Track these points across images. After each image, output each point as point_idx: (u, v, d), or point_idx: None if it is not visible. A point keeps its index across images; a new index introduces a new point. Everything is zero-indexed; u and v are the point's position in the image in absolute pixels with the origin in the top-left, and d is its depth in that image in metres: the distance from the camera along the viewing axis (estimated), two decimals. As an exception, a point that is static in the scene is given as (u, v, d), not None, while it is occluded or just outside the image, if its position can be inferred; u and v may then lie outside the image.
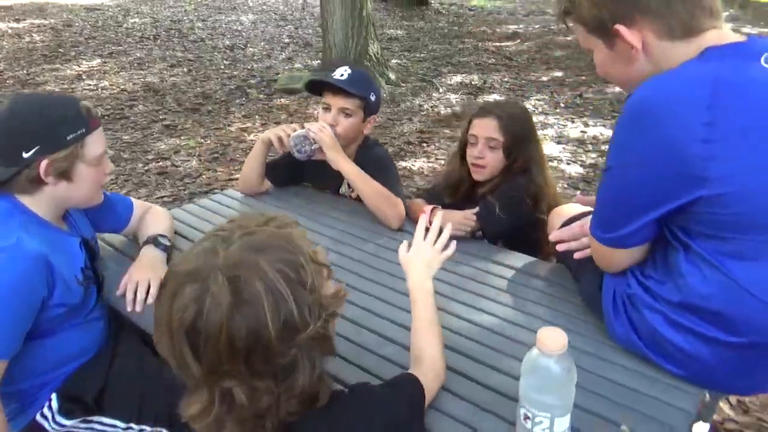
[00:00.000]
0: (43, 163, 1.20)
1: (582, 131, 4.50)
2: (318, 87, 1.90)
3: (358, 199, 1.92)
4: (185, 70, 6.34)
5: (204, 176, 3.79)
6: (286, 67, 6.39)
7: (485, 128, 1.75)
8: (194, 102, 5.28)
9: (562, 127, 4.61)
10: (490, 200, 1.71)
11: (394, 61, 6.40)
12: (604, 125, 4.63)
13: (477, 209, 1.71)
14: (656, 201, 0.99)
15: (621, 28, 1.02)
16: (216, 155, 4.12)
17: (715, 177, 0.91)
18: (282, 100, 5.28)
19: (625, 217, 1.04)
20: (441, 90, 5.55)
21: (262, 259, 0.70)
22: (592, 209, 1.38)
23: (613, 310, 1.15)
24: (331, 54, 5.70)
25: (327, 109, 1.88)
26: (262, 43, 7.64)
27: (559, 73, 6.30)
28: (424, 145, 4.24)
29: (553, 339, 0.83)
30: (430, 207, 1.73)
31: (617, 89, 5.63)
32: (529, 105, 5.18)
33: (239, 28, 8.62)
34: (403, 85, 5.66)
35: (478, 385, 1.10)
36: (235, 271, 0.69)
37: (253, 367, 0.68)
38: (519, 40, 8.08)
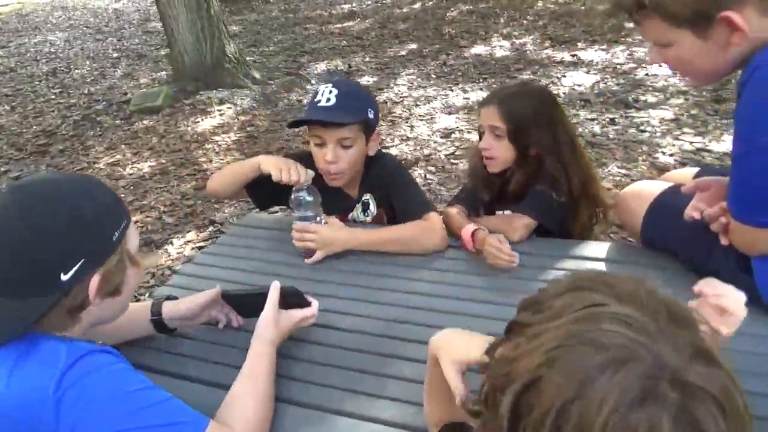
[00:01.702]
0: (94, 282, 0.86)
1: (465, 98, 4.62)
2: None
3: (375, 221, 1.73)
4: (7, 108, 5.43)
5: (92, 226, 3.27)
6: (131, 85, 5.74)
7: (488, 117, 1.64)
8: (37, 144, 4.54)
9: (444, 97, 4.69)
10: (542, 189, 1.60)
11: (247, 58, 6.04)
12: (480, 89, 4.79)
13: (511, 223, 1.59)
14: None
15: (731, 14, 0.98)
16: (95, 199, 3.58)
17: None
18: (144, 122, 4.74)
19: None
20: (312, 82, 5.35)
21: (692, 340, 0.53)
22: (672, 184, 1.35)
23: None
24: (183, 61, 5.22)
25: (321, 144, 1.55)
26: (88, 63, 6.79)
27: (413, 46, 6.40)
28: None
29: None
30: (470, 230, 1.53)
31: (474, 52, 5.88)
32: (402, 81, 5.20)
33: (52, 50, 7.57)
34: (271, 82, 5.37)
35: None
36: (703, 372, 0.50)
37: None
38: (359, 19, 8.06)
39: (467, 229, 1.53)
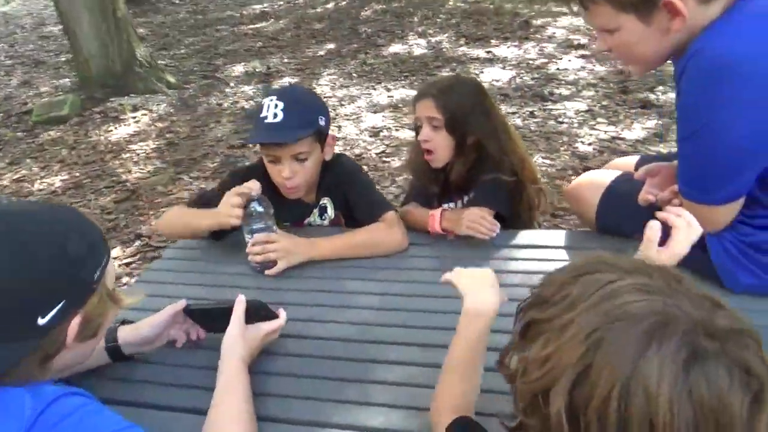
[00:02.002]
0: (74, 324, 0.78)
1: (389, 96, 4.65)
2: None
3: (333, 224, 1.70)
4: None
5: None
6: (31, 94, 5.32)
7: (424, 109, 1.67)
8: (-74, 161, 4.11)
9: (368, 96, 4.70)
10: (489, 178, 1.63)
11: (159, 62, 5.77)
12: (403, 86, 4.84)
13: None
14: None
15: None
16: (2, 219, 3.29)
17: None
18: (50, 133, 4.41)
19: (734, 171, 1.09)
20: (231, 84, 5.20)
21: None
22: (621, 172, 1.41)
23: (732, 263, 1.20)
24: (89, 68, 4.92)
25: (275, 160, 1.48)
26: (-24, 71, 6.24)
27: (331, 45, 6.37)
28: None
29: None
30: (439, 210, 1.58)
31: (393, 51, 5.93)
32: (324, 81, 5.16)
33: (-68, 58, 6.89)
34: (187, 86, 5.16)
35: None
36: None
37: None
38: (272, 20, 7.92)
39: (435, 211, 1.57)
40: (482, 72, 4.97)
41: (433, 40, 6.17)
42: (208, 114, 4.57)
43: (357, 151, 3.71)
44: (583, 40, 5.40)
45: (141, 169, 3.76)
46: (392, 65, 5.46)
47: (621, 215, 1.38)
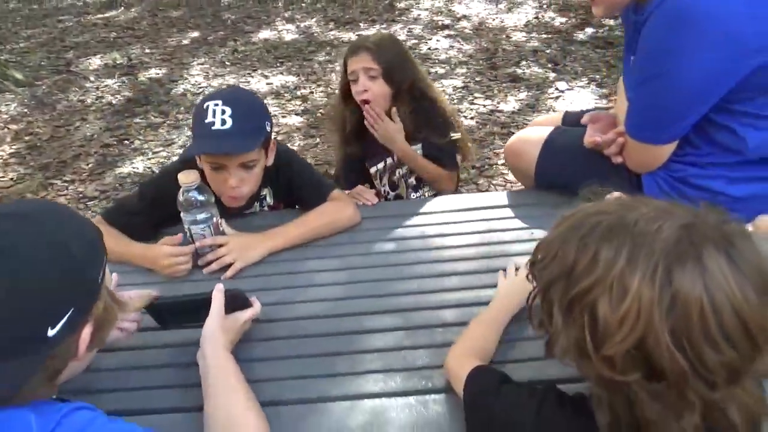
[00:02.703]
0: (86, 333, 0.72)
1: (268, 84, 4.56)
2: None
3: (274, 208, 1.67)
4: None
5: None
6: None
7: (361, 61, 1.76)
8: None
9: (246, 84, 4.57)
10: (435, 142, 1.78)
11: (-3, 58, 5.14)
12: (281, 73, 4.77)
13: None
14: (720, 83, 1.14)
15: None
16: None
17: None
18: None
19: (686, 112, 1.19)
20: (91, 78, 4.77)
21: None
22: (553, 127, 1.51)
23: (663, 197, 1.30)
24: None
25: (220, 168, 1.38)
26: None
27: (195, 33, 6.07)
28: (126, 142, 3.68)
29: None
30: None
31: (262, 37, 5.80)
32: (195, 71, 4.93)
33: None
34: (39, 82, 4.65)
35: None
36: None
37: None
38: (122, 8, 7.35)
39: None
40: (358, 55, 5.03)
41: (302, 25, 6.12)
42: (71, 112, 4.17)
43: (247, 140, 3.61)
44: (447, 21, 5.68)
45: (1, 177, 3.36)
46: (265, 52, 5.34)
47: (563, 166, 1.48)
